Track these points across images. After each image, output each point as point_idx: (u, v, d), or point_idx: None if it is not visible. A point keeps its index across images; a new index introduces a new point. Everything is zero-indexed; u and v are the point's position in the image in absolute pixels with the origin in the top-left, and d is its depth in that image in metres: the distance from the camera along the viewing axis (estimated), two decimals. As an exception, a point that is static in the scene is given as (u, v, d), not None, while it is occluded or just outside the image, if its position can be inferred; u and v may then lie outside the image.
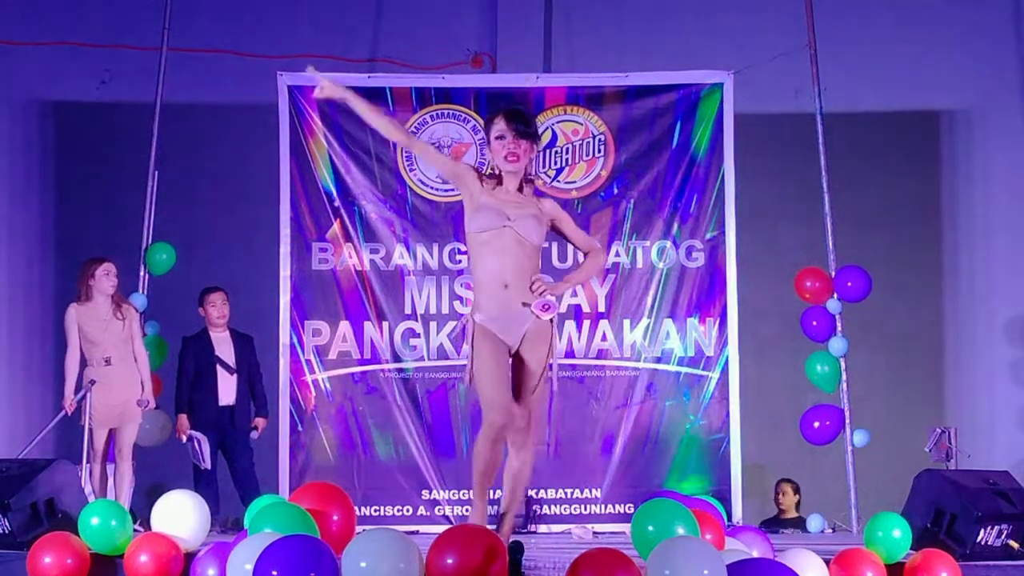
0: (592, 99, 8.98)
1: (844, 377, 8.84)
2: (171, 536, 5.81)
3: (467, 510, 8.59)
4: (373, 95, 8.93)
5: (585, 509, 8.61)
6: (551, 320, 5.71)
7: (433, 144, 8.94)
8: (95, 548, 5.93)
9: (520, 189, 5.80)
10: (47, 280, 9.91)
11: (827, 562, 5.64)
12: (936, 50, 9.92)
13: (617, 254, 8.90)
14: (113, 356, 7.97)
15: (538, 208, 5.79)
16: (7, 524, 6.47)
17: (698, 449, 8.81)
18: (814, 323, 8.90)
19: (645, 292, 8.90)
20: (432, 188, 8.98)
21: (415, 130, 8.96)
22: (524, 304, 5.65)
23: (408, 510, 8.68)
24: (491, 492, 5.88)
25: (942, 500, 6.78)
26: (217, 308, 8.70)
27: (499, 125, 5.78)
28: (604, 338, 8.85)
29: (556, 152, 8.96)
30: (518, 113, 5.82)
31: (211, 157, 9.77)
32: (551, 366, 5.75)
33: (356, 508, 5.96)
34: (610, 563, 4.81)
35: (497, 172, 5.82)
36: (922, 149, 9.98)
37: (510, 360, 5.73)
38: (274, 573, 4.80)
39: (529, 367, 5.71)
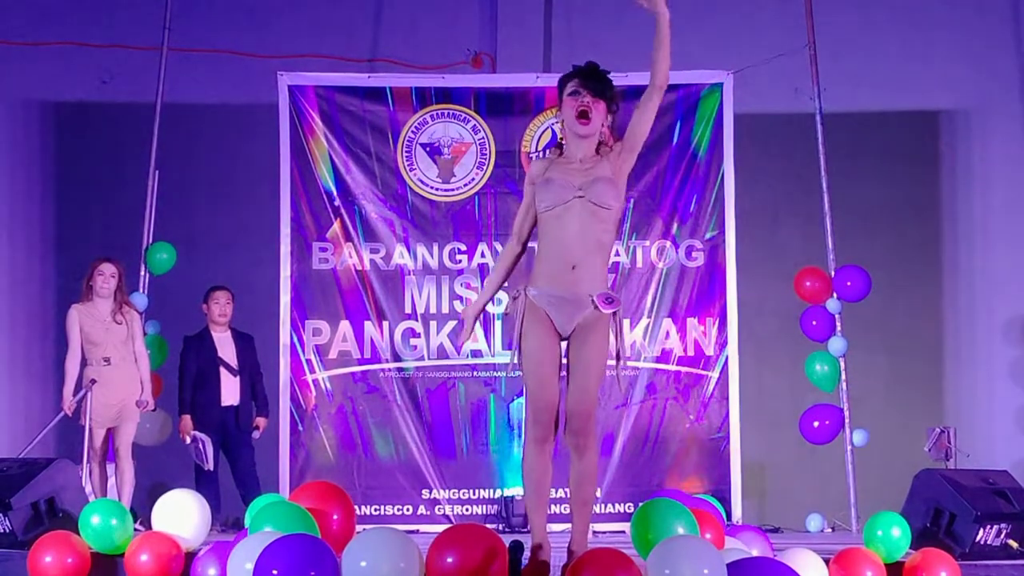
0: (592, 99, 8.96)
1: (843, 377, 8.85)
2: (172, 535, 5.81)
3: (467, 509, 8.63)
4: (373, 95, 8.97)
5: (585, 508, 8.61)
6: (613, 315, 5.18)
7: (433, 143, 8.98)
8: (96, 547, 5.93)
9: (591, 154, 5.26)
10: (48, 280, 9.90)
11: (827, 561, 5.65)
12: (936, 50, 9.92)
13: (617, 253, 8.90)
14: (113, 356, 7.97)
15: (609, 166, 5.22)
16: (8, 523, 6.49)
17: (698, 449, 8.83)
18: (813, 323, 8.92)
19: (645, 292, 8.91)
20: (432, 188, 8.99)
21: (415, 129, 8.96)
22: (588, 294, 5.14)
23: (408, 509, 8.69)
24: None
25: (941, 499, 6.80)
26: (220, 306, 8.70)
27: (574, 82, 5.23)
28: (604, 337, 8.84)
29: (556, 152, 8.95)
30: (595, 71, 5.28)
31: (211, 157, 9.77)
32: (618, 363, 5.26)
33: (356, 507, 5.96)
34: (610, 563, 4.81)
35: (562, 139, 5.29)
36: (921, 149, 9.98)
37: (561, 349, 5.22)
38: (274, 572, 4.79)
39: (583, 360, 5.14)
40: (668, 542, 4.96)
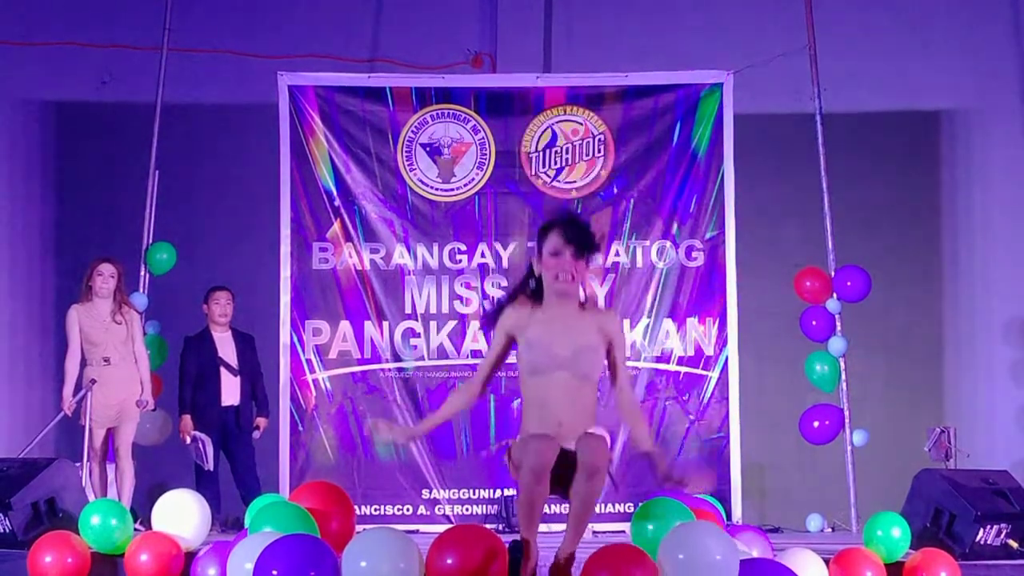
0: (592, 99, 9.00)
1: (843, 377, 8.86)
2: (172, 535, 5.82)
3: (467, 509, 8.63)
4: (373, 95, 8.98)
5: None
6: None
7: (433, 143, 8.99)
8: (96, 547, 5.95)
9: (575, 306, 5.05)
10: (48, 280, 9.91)
11: (827, 562, 5.65)
12: (936, 50, 9.93)
13: (617, 254, 8.92)
14: (112, 356, 7.98)
15: (597, 328, 5.03)
16: (8, 523, 6.50)
17: (698, 449, 8.83)
18: (813, 323, 8.92)
19: (645, 292, 8.92)
20: (432, 188, 9.00)
21: (415, 129, 8.98)
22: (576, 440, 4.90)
23: (408, 509, 8.70)
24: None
25: (941, 499, 6.81)
26: (220, 306, 8.71)
27: (554, 240, 4.93)
28: (604, 337, 8.84)
29: (556, 152, 8.98)
30: (576, 225, 4.96)
31: (211, 157, 9.78)
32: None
33: (356, 507, 5.96)
34: (626, 559, 4.81)
35: (536, 275, 5.05)
36: (922, 149, 9.99)
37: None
38: (274, 572, 4.80)
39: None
40: (682, 527, 5.01)
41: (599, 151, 8.99)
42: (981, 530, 6.62)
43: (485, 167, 9.01)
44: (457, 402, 5.31)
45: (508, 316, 5.08)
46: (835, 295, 8.87)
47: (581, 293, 5.10)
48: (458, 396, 5.36)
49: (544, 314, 5.03)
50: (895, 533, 6.05)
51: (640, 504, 5.73)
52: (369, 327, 8.87)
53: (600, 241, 5.10)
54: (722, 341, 8.86)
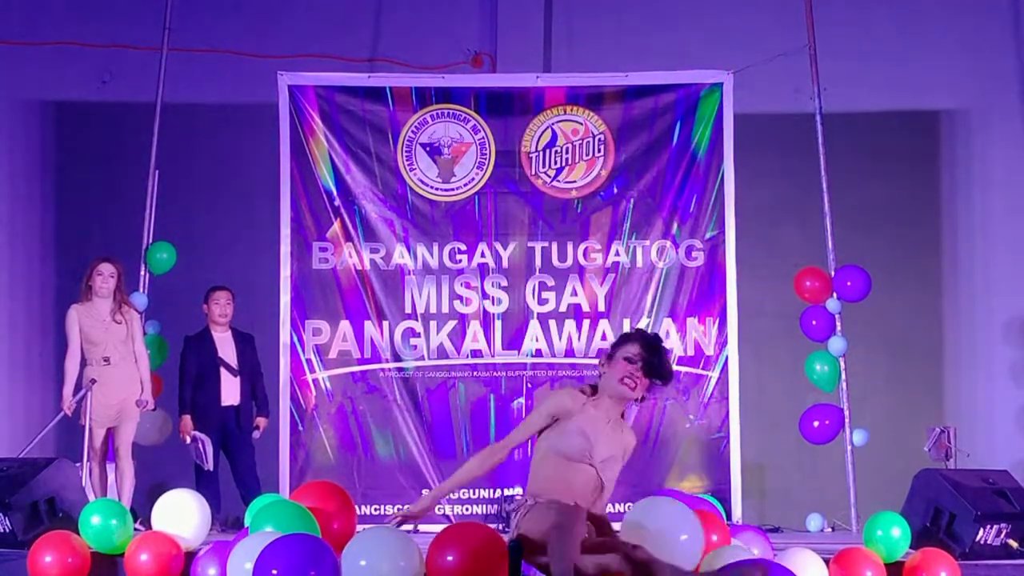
0: (592, 99, 9.00)
1: (843, 377, 8.86)
2: (172, 535, 5.83)
3: (467, 509, 8.63)
4: (373, 95, 8.98)
5: (585, 508, 8.61)
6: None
7: (433, 143, 8.99)
8: (96, 547, 5.96)
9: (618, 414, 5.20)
10: (48, 280, 9.92)
11: (827, 562, 5.66)
12: (936, 50, 9.94)
13: (617, 253, 8.92)
14: (112, 356, 7.98)
15: (622, 446, 5.20)
16: (8, 523, 6.50)
17: (698, 449, 8.85)
18: (813, 323, 8.92)
19: (645, 291, 8.93)
20: (432, 188, 9.00)
21: (415, 129, 8.98)
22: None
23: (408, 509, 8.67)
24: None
25: (941, 499, 6.82)
26: (220, 306, 8.71)
27: (634, 349, 5.11)
28: (604, 337, 8.85)
29: (556, 152, 8.98)
30: (659, 349, 5.13)
31: (211, 157, 9.79)
32: None
33: (356, 507, 5.96)
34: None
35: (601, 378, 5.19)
36: (922, 149, 10.00)
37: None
38: (274, 572, 4.81)
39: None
40: (646, 501, 5.12)
41: (599, 151, 9.00)
42: (981, 530, 6.63)
43: (485, 167, 9.01)
44: (480, 467, 5.22)
45: (561, 401, 5.18)
46: (835, 295, 8.87)
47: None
48: (481, 461, 5.22)
49: (595, 410, 5.15)
50: (895, 533, 6.06)
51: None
52: (369, 327, 8.87)
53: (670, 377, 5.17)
54: (722, 341, 8.86)
